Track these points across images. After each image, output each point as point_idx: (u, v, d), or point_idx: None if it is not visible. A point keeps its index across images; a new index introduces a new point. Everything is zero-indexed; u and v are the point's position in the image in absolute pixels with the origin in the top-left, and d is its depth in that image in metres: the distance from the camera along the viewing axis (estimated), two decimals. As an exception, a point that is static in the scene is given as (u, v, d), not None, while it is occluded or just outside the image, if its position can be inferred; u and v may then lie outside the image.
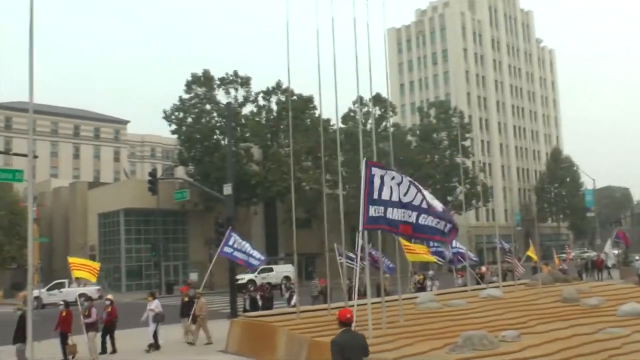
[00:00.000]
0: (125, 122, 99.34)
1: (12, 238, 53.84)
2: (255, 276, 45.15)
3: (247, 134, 54.84)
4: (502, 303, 19.30)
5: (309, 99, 55.74)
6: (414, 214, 12.01)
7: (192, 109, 55.38)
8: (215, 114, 55.50)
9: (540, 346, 13.42)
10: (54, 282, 44.17)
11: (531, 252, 30.88)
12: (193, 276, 48.22)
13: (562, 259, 48.50)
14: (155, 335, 18.72)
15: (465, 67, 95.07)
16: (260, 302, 24.29)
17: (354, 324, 8.44)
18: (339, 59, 16.09)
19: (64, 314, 17.79)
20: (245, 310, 22.99)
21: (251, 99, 57.10)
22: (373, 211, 12.01)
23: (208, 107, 56.01)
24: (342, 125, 56.82)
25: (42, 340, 16.72)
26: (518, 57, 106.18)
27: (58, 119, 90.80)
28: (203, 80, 55.63)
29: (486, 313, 17.65)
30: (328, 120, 50.84)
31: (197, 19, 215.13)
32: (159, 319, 18.82)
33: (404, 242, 21.20)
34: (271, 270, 47.42)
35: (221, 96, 56.08)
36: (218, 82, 56.04)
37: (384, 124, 58.71)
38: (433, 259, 24.74)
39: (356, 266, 15.07)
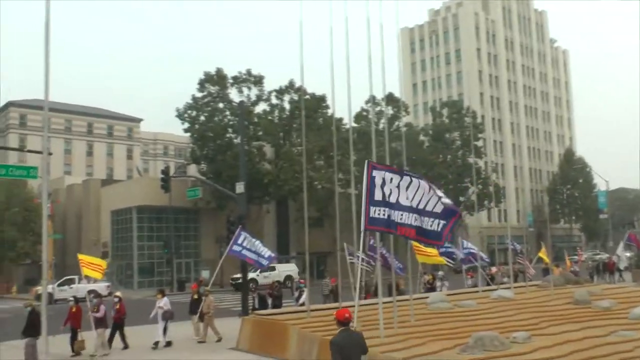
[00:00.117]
0: (139, 120, 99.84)
1: (26, 234, 54.45)
2: (257, 275, 45.18)
3: (260, 133, 55.05)
4: (513, 304, 19.27)
5: (322, 98, 55.91)
6: (415, 216, 11.99)
7: (205, 108, 55.66)
8: (228, 113, 55.82)
9: (552, 348, 13.37)
10: (65, 278, 44.59)
11: (543, 254, 30.72)
12: (204, 274, 48.37)
13: (574, 261, 48.27)
14: (164, 333, 18.81)
15: (478, 67, 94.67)
16: (269, 301, 24.35)
17: (352, 324, 8.45)
18: (351, 58, 16.13)
19: (73, 309, 18.00)
20: (254, 309, 23.07)
21: (264, 97, 57.39)
22: (374, 212, 12.04)
23: (221, 105, 56.32)
24: (355, 125, 56.90)
25: (56, 335, 16.87)
26: (532, 57, 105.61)
27: (72, 117, 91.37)
28: (216, 79, 55.86)
29: (497, 314, 17.65)
30: (340, 120, 51.04)
31: (210, 20, 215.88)
32: (167, 316, 18.91)
33: (415, 242, 21.17)
34: (274, 269, 47.07)
35: (234, 95, 56.50)
36: (231, 81, 56.28)
37: (396, 123, 58.66)
38: (443, 260, 24.68)
39: (359, 266, 15.15)
